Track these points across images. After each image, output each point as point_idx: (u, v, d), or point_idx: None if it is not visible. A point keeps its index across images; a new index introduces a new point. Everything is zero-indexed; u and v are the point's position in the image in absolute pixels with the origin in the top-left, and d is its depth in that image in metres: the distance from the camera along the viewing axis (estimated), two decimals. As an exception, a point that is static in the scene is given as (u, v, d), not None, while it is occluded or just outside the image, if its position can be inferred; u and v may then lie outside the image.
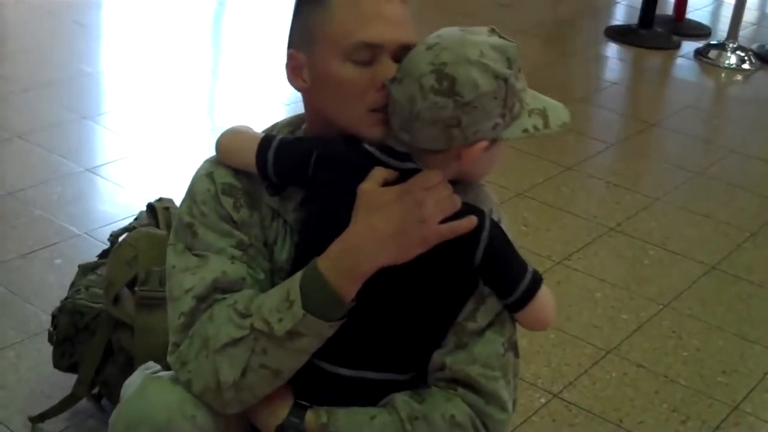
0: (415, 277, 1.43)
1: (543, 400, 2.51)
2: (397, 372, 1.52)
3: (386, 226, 1.38)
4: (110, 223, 2.94)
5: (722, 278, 3.16)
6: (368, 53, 1.44)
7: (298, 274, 1.42)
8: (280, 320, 1.39)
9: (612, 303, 2.97)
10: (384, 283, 1.41)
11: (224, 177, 1.53)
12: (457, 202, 1.41)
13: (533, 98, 1.44)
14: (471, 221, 1.40)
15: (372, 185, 1.41)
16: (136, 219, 2.39)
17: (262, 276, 1.50)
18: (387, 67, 1.43)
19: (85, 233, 3.00)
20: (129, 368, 2.10)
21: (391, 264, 1.40)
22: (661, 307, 2.97)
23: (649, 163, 4.12)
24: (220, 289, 1.46)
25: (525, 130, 1.41)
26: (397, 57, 1.44)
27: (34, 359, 2.43)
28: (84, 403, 2.23)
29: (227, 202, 1.51)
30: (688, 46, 5.34)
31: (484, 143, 1.40)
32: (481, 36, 1.41)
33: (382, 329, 1.47)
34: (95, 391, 2.23)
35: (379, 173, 1.42)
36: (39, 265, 2.82)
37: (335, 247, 1.40)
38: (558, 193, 3.59)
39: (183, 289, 1.47)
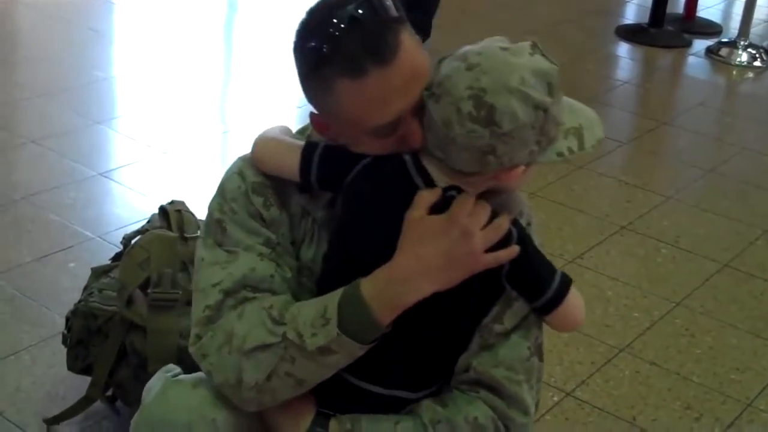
0: (447, 295, 1.42)
1: (556, 399, 2.51)
2: (426, 388, 1.52)
3: (435, 257, 1.38)
4: (123, 227, 2.96)
5: (735, 276, 3.15)
6: (387, 127, 1.40)
7: (338, 292, 1.41)
8: (314, 335, 1.39)
9: (624, 301, 2.97)
10: (417, 302, 1.41)
11: (255, 175, 1.52)
12: (501, 229, 1.41)
13: (570, 113, 1.41)
14: (513, 251, 1.41)
15: (419, 213, 1.40)
16: (148, 222, 2.41)
17: (289, 274, 1.50)
18: (413, 133, 1.41)
19: (99, 237, 3.02)
20: (142, 370, 2.12)
21: (435, 292, 1.41)
22: (674, 305, 2.97)
23: (661, 161, 4.11)
24: (249, 286, 1.46)
25: (560, 154, 1.39)
26: (417, 109, 1.40)
27: (49, 362, 2.45)
28: (98, 405, 2.24)
29: (257, 200, 1.51)
30: (699, 44, 5.33)
31: (521, 168, 1.38)
32: (523, 57, 1.36)
33: (412, 345, 1.47)
34: (109, 393, 2.25)
35: (424, 199, 1.41)
36: (53, 269, 2.84)
37: (382, 274, 1.40)
38: (570, 192, 3.59)
39: (210, 282, 1.47)
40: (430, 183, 1.42)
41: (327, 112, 1.44)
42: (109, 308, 2.19)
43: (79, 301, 2.25)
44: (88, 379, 2.22)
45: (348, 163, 1.46)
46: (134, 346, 2.14)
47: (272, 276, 1.47)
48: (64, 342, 2.26)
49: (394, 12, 1.37)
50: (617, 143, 4.11)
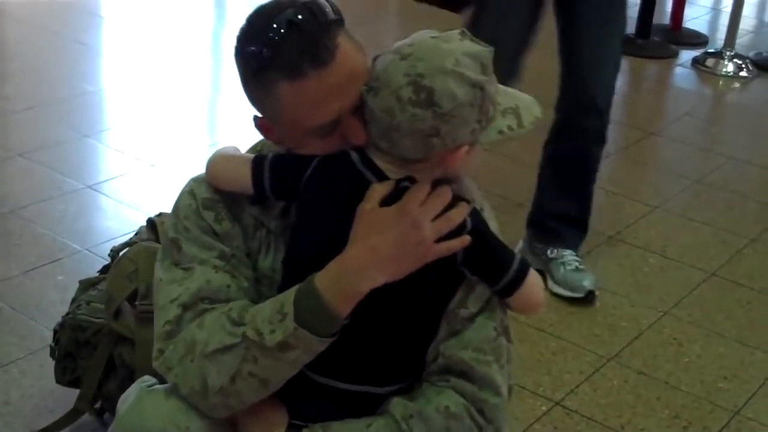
0: (403, 285, 1.44)
1: (544, 408, 2.52)
2: (395, 383, 1.53)
3: (386, 247, 1.41)
4: (112, 239, 2.96)
5: (722, 285, 3.17)
6: (328, 127, 1.44)
7: (294, 289, 1.43)
8: (272, 331, 1.40)
9: (612, 311, 2.98)
10: (373, 294, 1.42)
11: (205, 192, 1.56)
12: (452, 222, 1.43)
13: (504, 96, 1.46)
14: (464, 240, 1.43)
15: (371, 205, 1.43)
16: (136, 234, 2.41)
17: (245, 284, 1.52)
18: (355, 131, 1.44)
19: (87, 249, 3.02)
20: (130, 382, 2.09)
21: (388, 281, 1.42)
22: (662, 314, 2.98)
23: (648, 171, 4.13)
24: (206, 298, 1.48)
25: (500, 132, 1.43)
26: (356, 107, 1.43)
27: (37, 375, 2.45)
28: (86, 417, 2.24)
29: (208, 215, 1.54)
30: (686, 55, 5.35)
31: (465, 149, 1.42)
32: (453, 43, 1.41)
33: (374, 338, 1.49)
34: (97, 405, 2.24)
35: (377, 191, 1.44)
36: (41, 282, 2.84)
37: (334, 266, 1.42)
38: (557, 202, 3.59)
39: (169, 298, 1.50)
40: (381, 176, 1.45)
41: (269, 114, 1.49)
42: (97, 320, 2.19)
43: (67, 314, 2.25)
44: (77, 391, 2.22)
45: (298, 169, 1.49)
46: (122, 359, 2.14)
47: (228, 286, 1.49)
48: (52, 355, 2.26)
49: (332, 15, 1.42)
50: (604, 153, 4.11)
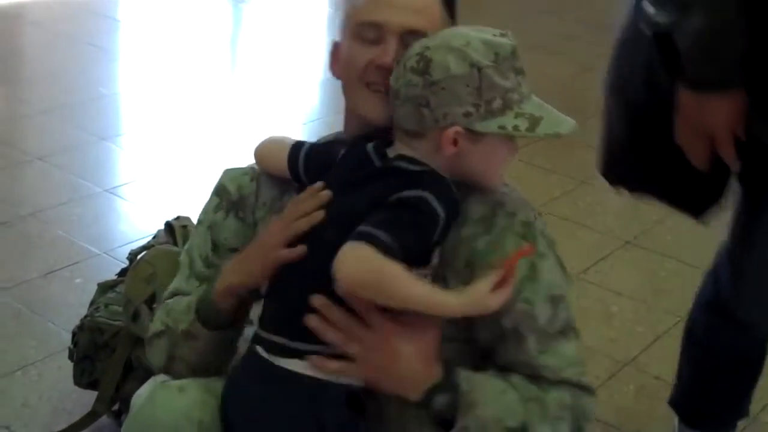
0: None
1: (561, 413, 2.51)
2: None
3: (246, 248, 1.55)
4: (129, 243, 2.97)
5: (739, 290, 3.15)
6: (372, 32, 1.51)
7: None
8: (182, 321, 1.57)
9: (629, 316, 2.97)
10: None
11: (224, 179, 1.67)
12: (294, 228, 1.45)
13: (536, 106, 1.45)
14: (293, 252, 1.44)
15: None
16: (154, 237, 2.42)
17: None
18: (388, 48, 1.49)
19: (105, 253, 3.03)
20: (149, 384, 2.13)
21: (241, 283, 1.52)
22: (678, 319, 2.97)
23: (665, 176, 4.11)
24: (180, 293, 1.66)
25: (502, 127, 1.42)
26: (405, 42, 1.49)
27: (56, 377, 2.46)
28: (104, 419, 2.25)
29: (213, 200, 1.66)
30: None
31: (456, 128, 1.41)
32: (482, 33, 1.45)
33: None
34: (115, 407, 2.25)
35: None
36: (59, 285, 2.85)
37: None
38: (575, 207, 3.60)
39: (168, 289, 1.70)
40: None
41: (342, 25, 1.59)
42: (116, 323, 2.21)
43: (86, 316, 2.26)
44: (95, 393, 2.23)
45: (327, 157, 1.53)
46: (140, 361, 2.15)
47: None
48: (70, 357, 2.27)
49: None
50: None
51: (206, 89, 4.45)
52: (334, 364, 1.42)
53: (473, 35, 1.43)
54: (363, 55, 1.52)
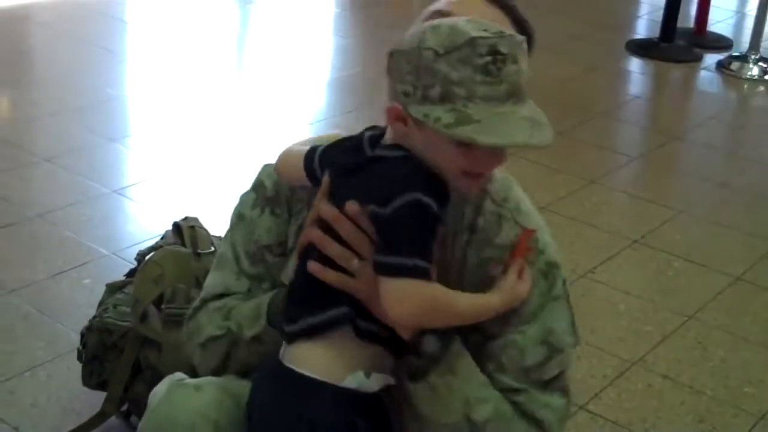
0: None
1: (568, 413, 2.52)
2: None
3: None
4: (137, 243, 2.98)
5: (747, 289, 3.15)
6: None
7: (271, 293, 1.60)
8: (250, 327, 1.58)
9: (636, 315, 2.97)
10: None
11: (261, 175, 1.68)
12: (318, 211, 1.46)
13: (486, 111, 1.32)
14: (311, 234, 1.45)
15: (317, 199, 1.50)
16: (162, 238, 2.43)
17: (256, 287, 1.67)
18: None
19: (113, 253, 3.04)
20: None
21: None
22: (686, 318, 2.97)
23: (672, 175, 4.12)
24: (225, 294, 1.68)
25: (425, 115, 1.33)
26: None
27: (65, 378, 2.47)
28: (113, 420, 2.25)
29: (249, 195, 1.67)
30: (710, 59, 5.34)
31: (393, 106, 1.36)
32: (472, 24, 1.35)
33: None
34: (124, 408, 2.26)
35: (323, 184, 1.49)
36: (68, 286, 2.86)
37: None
38: (581, 206, 3.60)
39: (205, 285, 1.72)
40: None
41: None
42: (124, 324, 2.21)
43: (94, 317, 2.27)
44: (103, 394, 2.24)
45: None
46: (149, 361, 2.16)
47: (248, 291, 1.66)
48: (79, 358, 2.28)
49: None
50: (628, 158, 4.12)
51: (214, 90, 4.46)
52: (331, 274, 1.42)
53: (454, 22, 1.36)
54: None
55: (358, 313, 1.43)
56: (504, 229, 1.54)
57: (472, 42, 1.32)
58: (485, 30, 1.34)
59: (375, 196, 1.39)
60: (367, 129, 1.49)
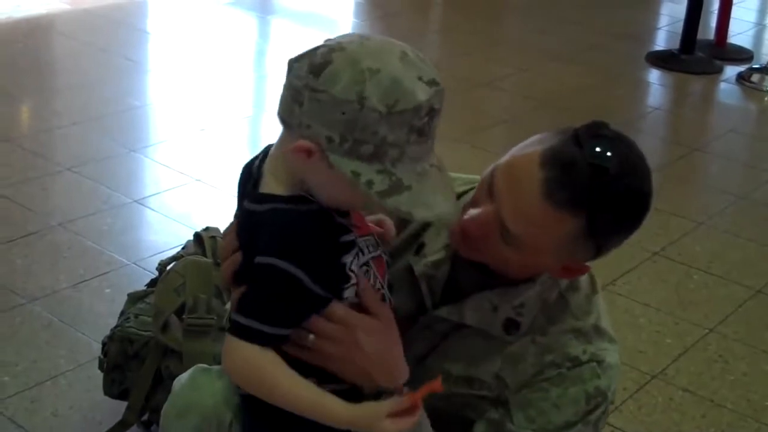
0: None
1: (588, 425, 2.51)
2: None
3: None
4: (158, 253, 2.99)
5: (767, 302, 3.15)
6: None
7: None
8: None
9: (657, 327, 2.96)
10: None
11: None
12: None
13: (415, 174, 1.29)
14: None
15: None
16: (183, 248, 2.44)
17: None
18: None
19: (134, 263, 3.05)
20: (178, 394, 2.14)
21: None
22: (707, 331, 2.96)
23: (693, 187, 4.10)
24: None
25: (355, 173, 1.27)
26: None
27: (86, 386, 2.48)
28: (134, 429, 2.26)
29: None
30: (731, 71, 5.32)
31: (308, 144, 1.29)
32: (409, 68, 1.28)
33: None
34: (145, 417, 2.27)
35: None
36: (89, 295, 2.88)
37: None
38: (601, 218, 3.58)
39: None
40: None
41: None
42: (145, 333, 2.22)
43: (116, 327, 2.28)
44: (125, 403, 2.25)
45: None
46: (170, 371, 2.16)
47: None
48: (100, 367, 2.29)
49: None
50: (648, 169, 4.11)
51: (235, 100, 4.48)
52: (291, 348, 1.41)
53: (393, 66, 1.26)
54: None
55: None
56: (576, 345, 1.54)
57: (417, 108, 1.26)
58: (421, 77, 1.28)
59: (245, 251, 1.40)
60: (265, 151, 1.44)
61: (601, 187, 1.39)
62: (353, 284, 1.41)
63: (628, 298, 3.09)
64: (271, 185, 1.39)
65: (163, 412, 1.56)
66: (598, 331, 1.57)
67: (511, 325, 1.55)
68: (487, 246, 1.48)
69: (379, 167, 1.27)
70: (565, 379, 1.53)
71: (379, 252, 1.47)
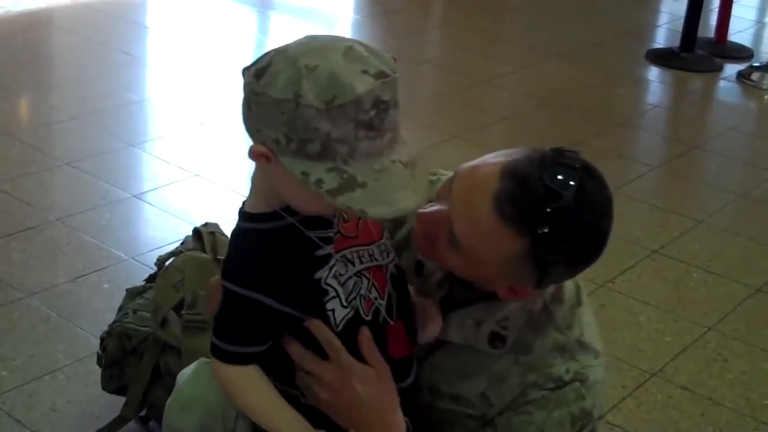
0: None
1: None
2: None
3: None
4: (157, 248, 2.99)
5: (767, 300, 3.13)
6: None
7: None
8: None
9: (656, 325, 2.96)
10: None
11: None
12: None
13: (369, 171, 1.25)
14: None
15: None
16: (182, 244, 2.43)
17: None
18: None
19: (133, 258, 3.04)
20: (176, 390, 2.13)
21: None
22: (706, 329, 2.96)
23: (692, 185, 4.10)
24: None
25: (304, 174, 1.25)
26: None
27: (84, 381, 2.48)
28: (132, 425, 2.26)
29: None
30: (731, 69, 5.32)
31: (261, 148, 1.29)
32: (350, 63, 1.25)
33: None
34: (143, 413, 2.26)
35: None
36: (88, 290, 2.87)
37: None
38: (600, 216, 3.58)
39: None
40: None
41: None
42: (144, 329, 2.21)
43: (114, 322, 2.27)
44: (122, 399, 2.24)
45: None
46: (168, 367, 2.16)
47: None
48: (98, 362, 2.28)
49: None
50: (648, 167, 4.11)
51: (234, 96, 4.46)
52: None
53: (333, 62, 1.24)
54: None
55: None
56: (559, 363, 1.51)
57: (357, 101, 1.22)
58: (365, 71, 1.24)
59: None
60: None
61: (551, 213, 1.34)
62: (333, 297, 1.39)
63: (627, 295, 3.08)
64: (250, 200, 1.41)
65: (167, 405, 1.56)
66: (582, 346, 1.53)
67: (496, 339, 1.52)
68: (437, 246, 1.45)
69: (330, 165, 1.24)
70: (548, 402, 1.50)
71: (379, 262, 1.46)
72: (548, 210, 1.34)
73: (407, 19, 5.79)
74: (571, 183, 1.35)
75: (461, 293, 1.56)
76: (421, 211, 1.46)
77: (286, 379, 1.46)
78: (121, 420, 2.24)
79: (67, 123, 4.01)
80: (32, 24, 5.15)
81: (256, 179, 1.40)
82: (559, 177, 1.35)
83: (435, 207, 1.46)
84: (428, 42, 5.59)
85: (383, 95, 1.24)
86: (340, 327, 1.40)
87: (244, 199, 1.44)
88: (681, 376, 2.73)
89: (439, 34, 5.92)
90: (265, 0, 6.08)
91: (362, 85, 1.22)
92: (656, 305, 3.05)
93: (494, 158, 1.42)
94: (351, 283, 1.40)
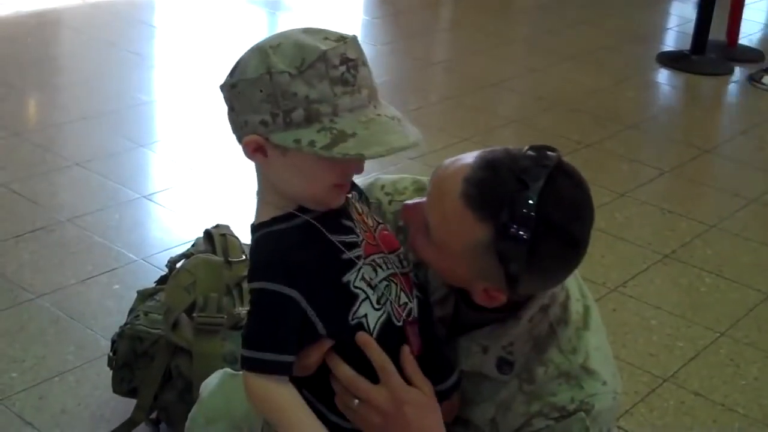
0: None
1: (599, 429, 2.49)
2: None
3: None
4: (167, 249, 2.98)
5: (780, 306, 3.12)
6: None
7: None
8: None
9: (668, 330, 2.94)
10: None
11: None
12: None
13: (355, 122, 1.29)
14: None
15: None
16: (193, 245, 2.42)
17: None
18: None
19: (143, 259, 3.04)
20: (187, 394, 2.13)
21: None
22: (718, 335, 2.94)
23: (704, 189, 4.08)
24: None
25: (297, 141, 1.27)
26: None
27: (94, 384, 2.47)
28: (143, 427, 2.25)
29: None
30: (741, 72, 5.30)
31: (252, 137, 1.31)
32: (310, 35, 1.31)
33: None
34: (153, 416, 2.26)
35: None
36: (98, 291, 2.86)
37: None
38: (612, 219, 3.57)
39: None
40: None
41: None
42: (155, 331, 2.21)
43: (125, 324, 2.27)
44: (133, 401, 2.24)
45: None
46: (179, 370, 2.15)
47: None
48: (109, 364, 2.27)
49: None
50: (659, 171, 4.09)
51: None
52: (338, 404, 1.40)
53: (295, 37, 1.31)
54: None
55: None
56: (564, 391, 1.46)
57: (323, 56, 1.27)
58: (326, 38, 1.31)
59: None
60: None
61: (512, 199, 1.31)
62: (364, 299, 1.38)
63: (639, 300, 3.06)
64: (259, 212, 1.39)
65: (190, 417, 1.55)
66: (588, 372, 1.47)
67: (504, 364, 1.49)
68: (417, 238, 1.44)
69: (318, 127, 1.28)
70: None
71: (405, 269, 1.45)
72: (510, 196, 1.31)
73: (417, 21, 5.78)
74: (541, 176, 1.33)
75: (466, 314, 1.54)
76: (406, 202, 1.48)
77: (329, 404, 1.43)
78: (131, 422, 2.23)
79: (77, 123, 4.00)
80: (41, 24, 5.15)
81: (259, 190, 1.40)
82: (531, 169, 1.33)
83: (418, 199, 1.46)
84: (438, 44, 5.58)
85: (348, 53, 1.29)
86: (375, 332, 1.38)
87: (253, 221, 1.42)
88: (693, 381, 2.71)
89: (448, 36, 5.91)
90: (274, 0, 6.07)
91: (325, 45, 1.29)
92: (668, 310, 3.04)
93: (476, 152, 1.41)
94: (382, 286, 1.39)
